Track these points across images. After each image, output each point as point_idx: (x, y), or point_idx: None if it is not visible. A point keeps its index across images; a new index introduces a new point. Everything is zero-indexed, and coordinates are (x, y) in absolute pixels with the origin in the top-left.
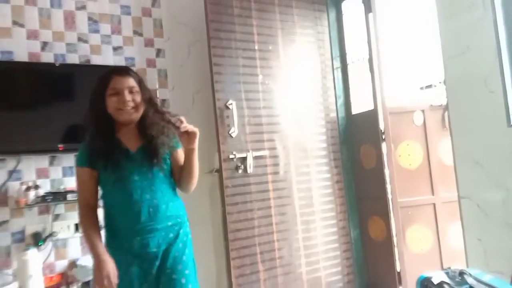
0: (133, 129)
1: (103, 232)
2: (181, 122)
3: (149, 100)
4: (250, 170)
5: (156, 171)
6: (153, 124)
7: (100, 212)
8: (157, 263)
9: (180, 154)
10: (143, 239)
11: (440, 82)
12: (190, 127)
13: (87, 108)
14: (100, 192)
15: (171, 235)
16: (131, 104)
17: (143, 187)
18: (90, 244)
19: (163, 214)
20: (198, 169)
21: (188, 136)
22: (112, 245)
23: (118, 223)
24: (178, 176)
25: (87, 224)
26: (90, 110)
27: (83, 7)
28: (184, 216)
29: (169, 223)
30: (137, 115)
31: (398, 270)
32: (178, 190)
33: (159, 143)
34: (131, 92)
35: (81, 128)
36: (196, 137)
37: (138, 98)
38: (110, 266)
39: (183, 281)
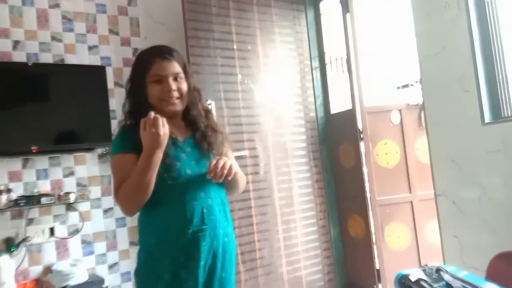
0: (178, 119)
1: (140, 237)
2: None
3: (194, 87)
4: None
5: (207, 166)
6: (202, 115)
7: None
8: (203, 280)
9: (227, 155)
10: (192, 248)
11: (416, 82)
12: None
13: (125, 96)
14: None
15: (221, 248)
16: (176, 94)
17: (196, 182)
18: (138, 169)
19: (216, 218)
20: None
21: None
22: (154, 255)
23: (164, 226)
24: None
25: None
26: (128, 98)
27: (56, 5)
28: (232, 222)
29: (221, 231)
30: (182, 106)
31: (378, 268)
32: None
33: (211, 135)
34: (175, 79)
35: (55, 129)
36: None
37: (184, 86)
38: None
39: None
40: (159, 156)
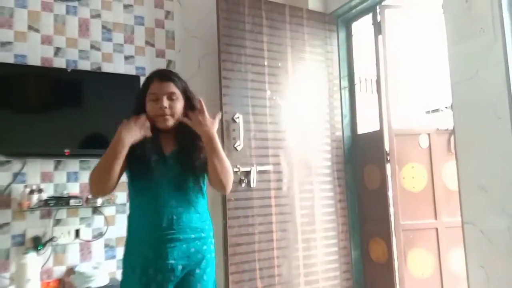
0: (171, 133)
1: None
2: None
3: (192, 108)
4: (253, 184)
5: (187, 178)
6: (190, 133)
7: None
8: (173, 278)
9: None
10: (161, 248)
11: (446, 107)
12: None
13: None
14: (129, 191)
15: (193, 249)
16: (168, 111)
17: (171, 192)
18: (108, 150)
19: (186, 224)
20: (227, 164)
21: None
22: (131, 249)
23: (139, 226)
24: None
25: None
26: (133, 110)
27: (97, 16)
28: (209, 232)
29: (192, 236)
30: (172, 122)
31: None
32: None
33: (196, 147)
34: (170, 98)
35: (87, 134)
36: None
37: (178, 105)
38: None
39: None
40: (123, 143)
